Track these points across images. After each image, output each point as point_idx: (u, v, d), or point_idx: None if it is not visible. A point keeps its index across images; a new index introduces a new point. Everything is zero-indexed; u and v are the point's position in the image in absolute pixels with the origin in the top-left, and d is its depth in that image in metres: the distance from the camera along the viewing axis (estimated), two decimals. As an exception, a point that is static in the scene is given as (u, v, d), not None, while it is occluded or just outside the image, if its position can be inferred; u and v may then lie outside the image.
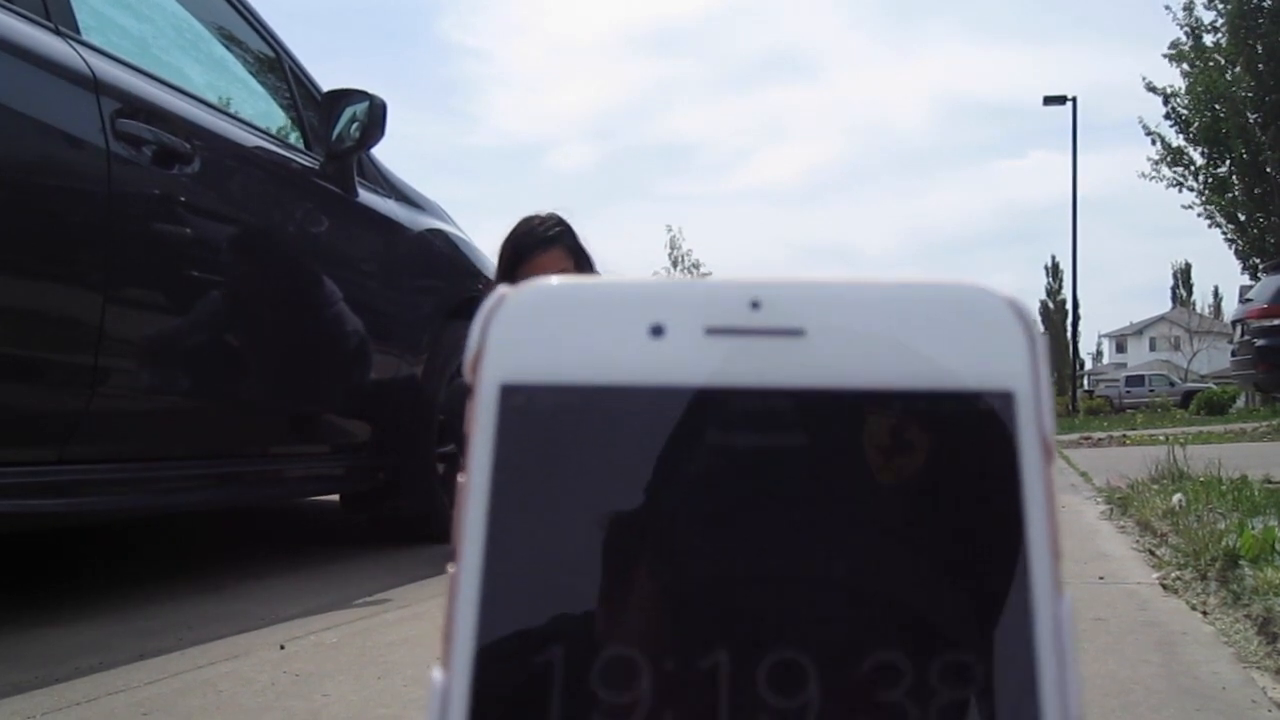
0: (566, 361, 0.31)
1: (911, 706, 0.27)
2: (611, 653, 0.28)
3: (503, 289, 0.32)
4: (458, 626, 0.28)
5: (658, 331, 0.31)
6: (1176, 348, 47.01)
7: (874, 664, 0.28)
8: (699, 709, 0.28)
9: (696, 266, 26.54)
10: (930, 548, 0.29)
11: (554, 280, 0.32)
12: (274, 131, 2.80)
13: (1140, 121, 24.35)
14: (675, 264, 26.29)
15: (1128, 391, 32.11)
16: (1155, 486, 3.65)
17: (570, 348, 0.31)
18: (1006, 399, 0.30)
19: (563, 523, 0.29)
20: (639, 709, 0.27)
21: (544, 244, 2.83)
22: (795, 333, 0.31)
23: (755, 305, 0.31)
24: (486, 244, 3.58)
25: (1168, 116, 21.26)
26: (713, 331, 0.31)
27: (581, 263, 2.86)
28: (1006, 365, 0.30)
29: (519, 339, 0.31)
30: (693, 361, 0.30)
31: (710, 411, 0.30)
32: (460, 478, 0.30)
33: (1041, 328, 0.32)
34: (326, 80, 3.09)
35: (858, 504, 0.29)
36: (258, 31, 2.90)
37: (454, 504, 0.30)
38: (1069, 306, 23.98)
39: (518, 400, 0.30)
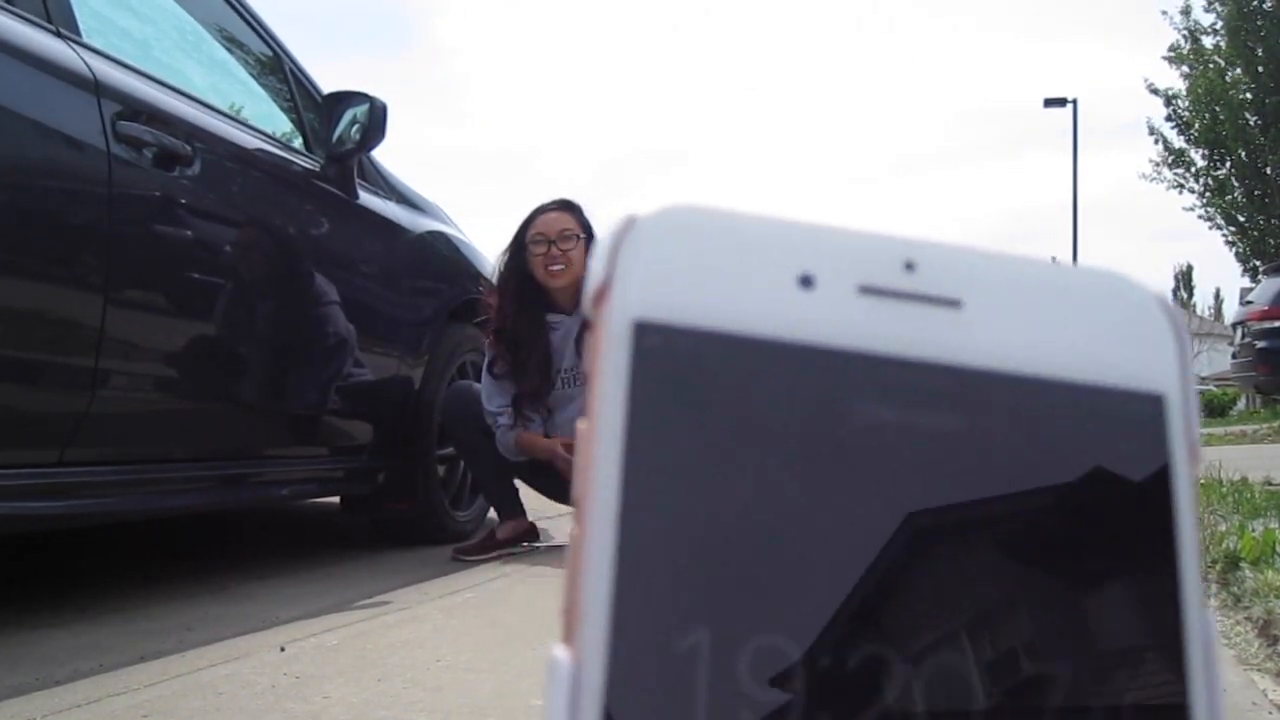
0: (706, 303, 0.26)
1: (1065, 715, 0.26)
2: (761, 641, 0.25)
3: (635, 211, 0.27)
4: (590, 598, 0.24)
5: (807, 282, 0.27)
6: (1177, 350, 46.89)
7: (1030, 671, 0.26)
8: (853, 711, 0.25)
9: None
10: (1078, 550, 0.27)
11: (696, 206, 0.28)
12: (275, 134, 2.80)
13: (1147, 122, 24.30)
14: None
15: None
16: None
17: (711, 288, 0.27)
18: (1158, 402, 0.28)
19: (700, 489, 0.25)
20: (792, 709, 0.24)
21: (556, 205, 3.05)
22: (951, 303, 0.28)
23: (909, 267, 0.28)
24: (486, 246, 3.60)
25: (1169, 118, 21.27)
26: (866, 290, 0.28)
27: (591, 244, 2.95)
28: (1157, 366, 0.29)
29: (654, 271, 0.27)
30: (844, 321, 0.27)
31: (859, 381, 0.27)
32: (580, 424, 0.26)
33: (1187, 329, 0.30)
34: (324, 82, 3.10)
35: (1006, 496, 0.27)
36: (258, 34, 2.90)
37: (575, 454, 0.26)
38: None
39: (652, 341, 0.26)
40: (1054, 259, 0.32)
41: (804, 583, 0.25)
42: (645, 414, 0.25)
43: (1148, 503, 0.28)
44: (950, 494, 0.27)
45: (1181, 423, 0.28)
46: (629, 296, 0.26)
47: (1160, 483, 0.28)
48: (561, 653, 0.24)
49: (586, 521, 0.25)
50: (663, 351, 0.26)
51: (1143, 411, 0.28)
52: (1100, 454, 0.28)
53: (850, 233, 0.29)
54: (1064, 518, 0.27)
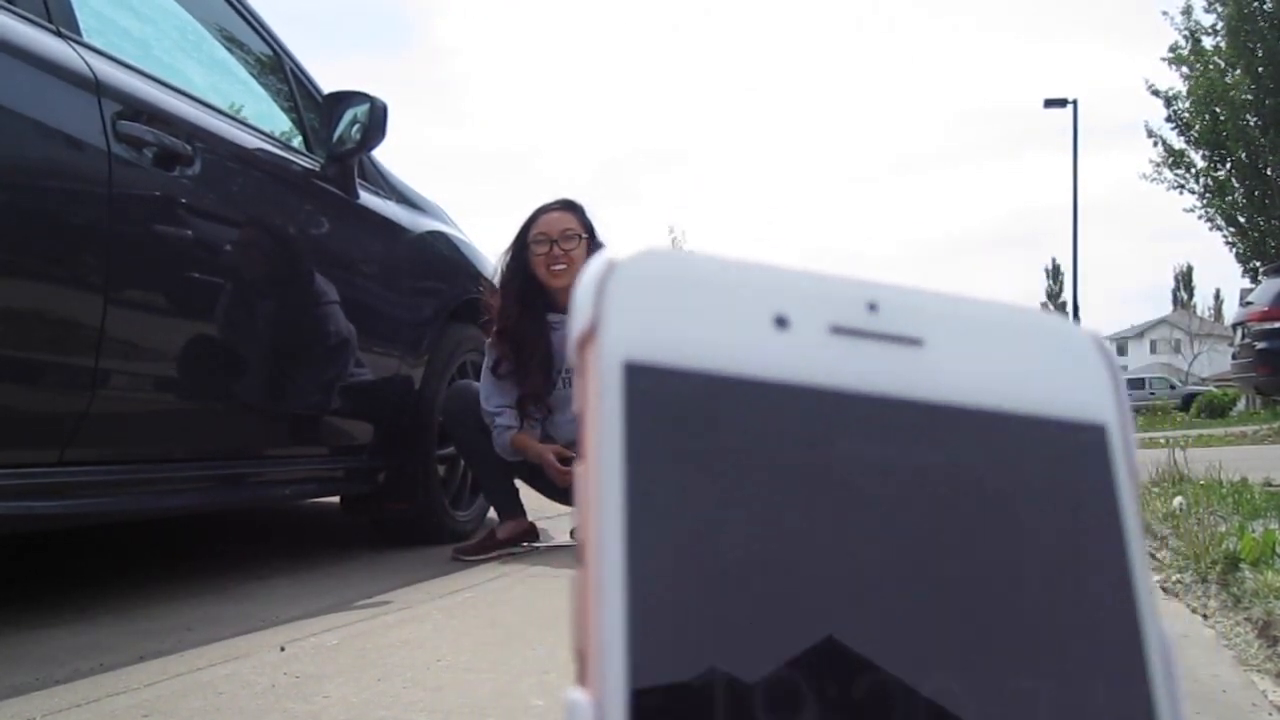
0: (690, 344, 0.27)
1: None
2: (773, 673, 0.25)
3: (612, 254, 0.28)
4: (605, 640, 0.24)
5: (782, 323, 0.29)
6: (1177, 350, 47.01)
7: (1013, 691, 0.27)
8: None
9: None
10: (1039, 575, 0.29)
11: (670, 251, 0.28)
12: (275, 133, 2.80)
13: (1146, 125, 24.29)
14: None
15: (1128, 394, 32.09)
16: (1156, 489, 3.65)
17: (692, 329, 0.27)
18: (1100, 432, 0.31)
19: (701, 528, 0.26)
20: None
21: (558, 205, 3.06)
22: (914, 342, 0.30)
23: (873, 308, 0.30)
24: (487, 246, 3.61)
25: (1169, 119, 21.26)
26: (837, 330, 0.29)
27: (593, 244, 2.97)
28: (1097, 399, 0.32)
29: (639, 313, 0.27)
30: (818, 360, 0.28)
31: (835, 417, 0.28)
32: (578, 468, 0.26)
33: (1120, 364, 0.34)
34: (324, 82, 3.10)
35: (974, 522, 0.29)
36: (259, 33, 2.90)
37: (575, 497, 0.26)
38: (1069, 309, 23.93)
39: (644, 382, 0.26)
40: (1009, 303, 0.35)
41: (804, 613, 0.26)
42: (643, 455, 0.26)
43: (1100, 521, 0.30)
44: (924, 523, 0.28)
45: (1122, 448, 0.32)
46: (618, 338, 0.27)
47: (1109, 501, 0.31)
48: (580, 696, 0.24)
49: (595, 564, 0.25)
50: (654, 392, 0.26)
51: (1089, 440, 0.31)
52: (1057, 478, 0.30)
53: (816, 275, 0.30)
54: (1027, 540, 0.29)
